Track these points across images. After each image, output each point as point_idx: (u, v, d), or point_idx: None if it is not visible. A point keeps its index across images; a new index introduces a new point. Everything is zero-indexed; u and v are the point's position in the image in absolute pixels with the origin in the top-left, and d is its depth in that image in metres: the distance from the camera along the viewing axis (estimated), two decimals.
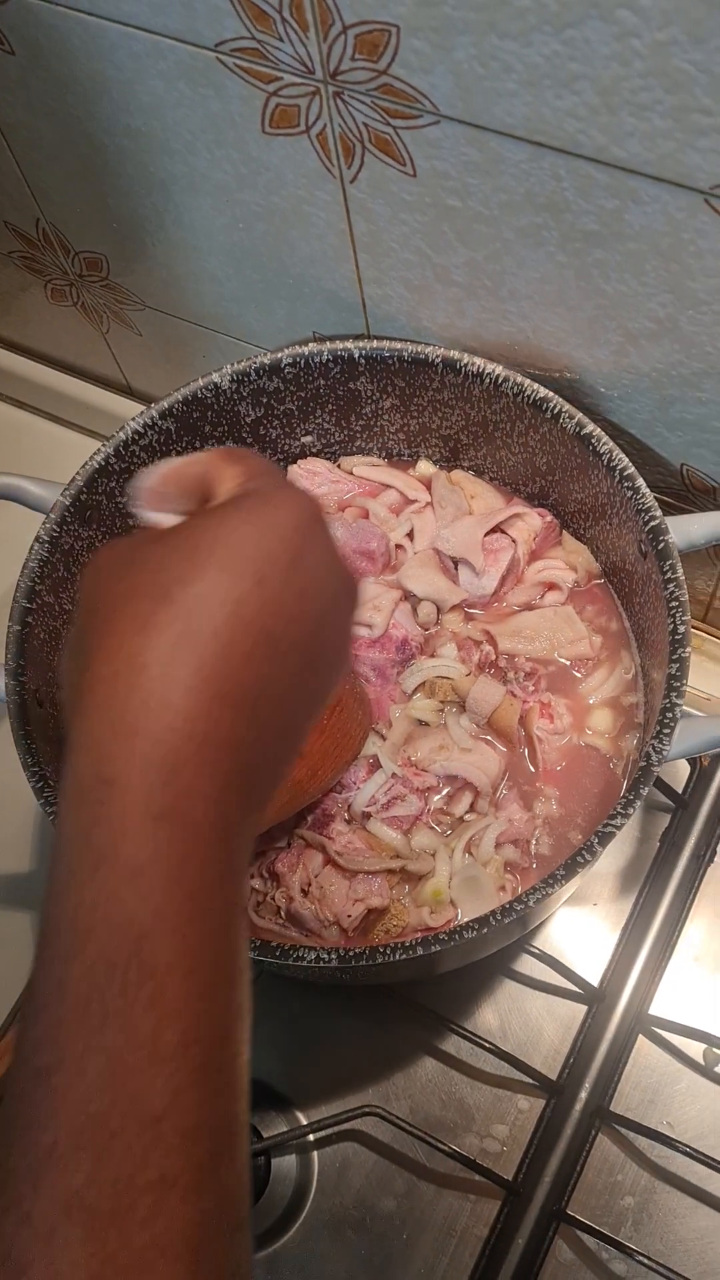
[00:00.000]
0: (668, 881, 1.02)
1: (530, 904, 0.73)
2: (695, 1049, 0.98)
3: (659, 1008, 0.98)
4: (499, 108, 0.68)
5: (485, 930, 0.73)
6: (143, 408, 0.93)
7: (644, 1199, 0.94)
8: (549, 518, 0.98)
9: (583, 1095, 0.95)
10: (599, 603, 0.97)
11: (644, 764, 0.77)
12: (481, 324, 0.88)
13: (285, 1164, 0.96)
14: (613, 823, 0.75)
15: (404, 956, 0.73)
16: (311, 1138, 0.97)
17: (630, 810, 0.75)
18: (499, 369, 0.89)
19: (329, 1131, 0.96)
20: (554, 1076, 0.97)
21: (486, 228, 0.78)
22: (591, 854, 0.75)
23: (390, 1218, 0.95)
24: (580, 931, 1.02)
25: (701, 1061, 0.98)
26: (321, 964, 0.73)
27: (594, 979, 1.00)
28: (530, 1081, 0.96)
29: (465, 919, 0.86)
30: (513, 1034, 1.00)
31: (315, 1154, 0.97)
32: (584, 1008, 1.00)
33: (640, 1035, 0.98)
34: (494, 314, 0.86)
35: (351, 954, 0.73)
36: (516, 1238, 0.91)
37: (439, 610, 0.96)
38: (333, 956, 0.73)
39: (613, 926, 1.02)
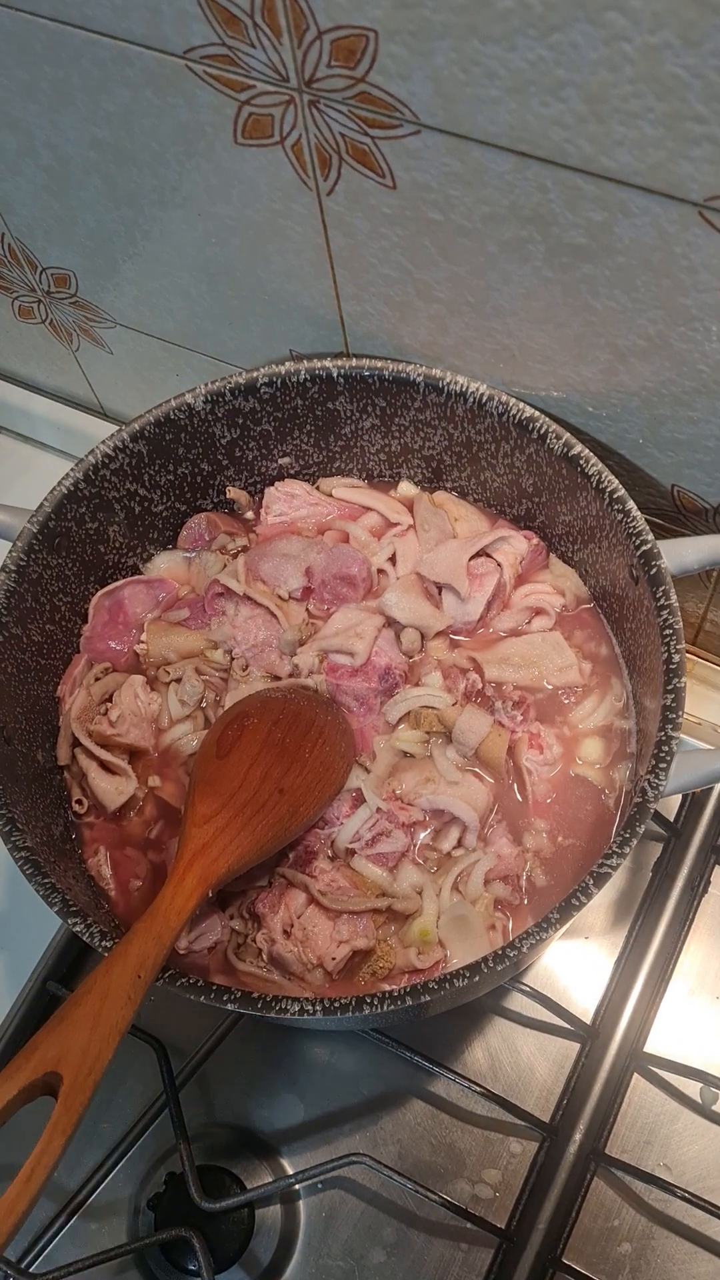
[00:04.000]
0: (661, 913, 0.99)
1: (524, 949, 0.70)
2: (692, 1088, 0.95)
3: (654, 1045, 0.95)
4: (481, 116, 0.65)
5: (477, 978, 0.69)
6: (115, 427, 0.89)
7: (641, 1245, 0.91)
8: (535, 541, 0.95)
9: (577, 1137, 0.92)
10: (588, 628, 0.94)
11: (639, 800, 0.74)
12: (465, 341, 0.85)
13: (270, 1214, 0.93)
14: (608, 862, 0.72)
15: (392, 1007, 0.69)
16: (297, 1187, 0.93)
17: (627, 849, 0.72)
18: (483, 388, 0.86)
19: (313, 1181, 0.92)
20: (547, 1118, 0.94)
21: (470, 242, 0.75)
22: (586, 895, 0.71)
23: (380, 1269, 0.91)
24: (572, 966, 0.99)
25: (699, 1100, 0.95)
26: (306, 1015, 0.69)
27: (587, 1016, 0.97)
28: (522, 1124, 0.93)
29: (454, 959, 0.83)
30: (503, 1074, 0.96)
31: (301, 1204, 0.93)
32: (577, 1045, 0.97)
33: (635, 1074, 0.95)
34: (478, 331, 0.83)
35: (337, 1005, 0.70)
36: None
37: (423, 637, 0.93)
38: (317, 1008, 0.70)
39: (605, 960, 0.99)
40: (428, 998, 0.69)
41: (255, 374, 0.89)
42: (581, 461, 0.83)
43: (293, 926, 0.83)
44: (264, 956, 0.84)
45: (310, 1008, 0.70)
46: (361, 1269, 0.91)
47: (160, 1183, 0.93)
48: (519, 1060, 0.97)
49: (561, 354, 0.81)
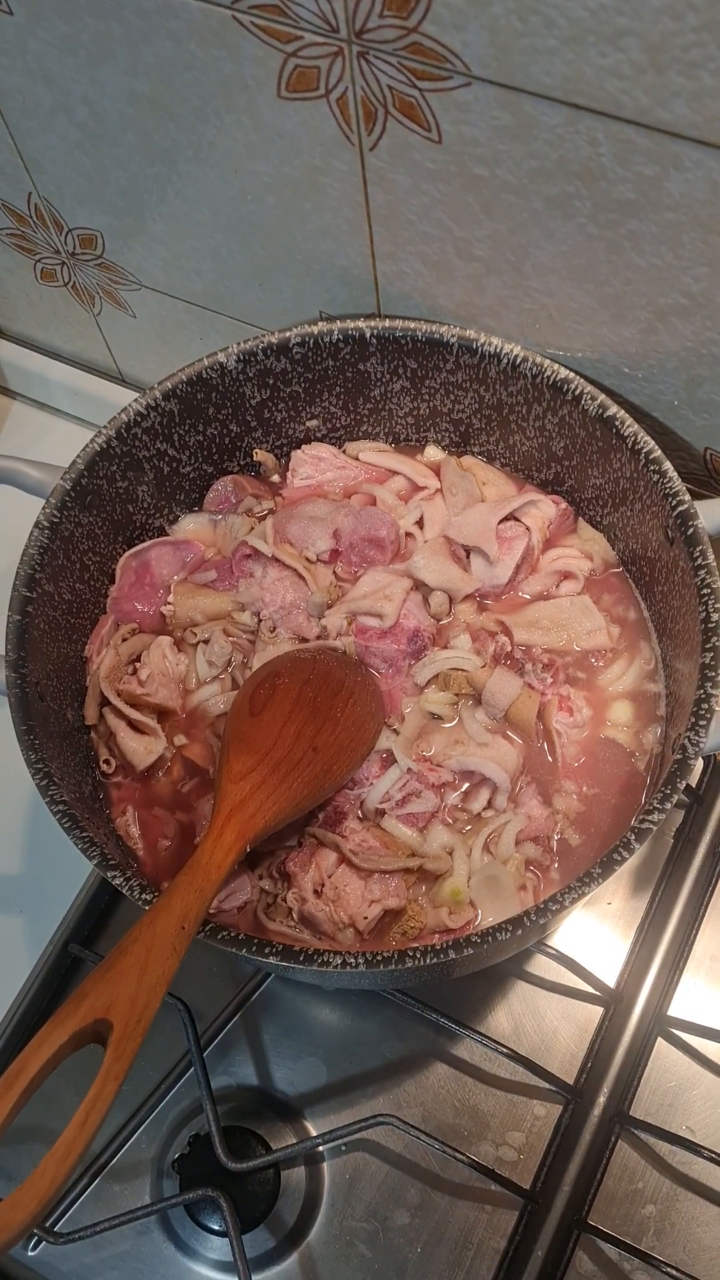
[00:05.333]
0: (683, 878, 0.99)
1: (565, 904, 0.70)
2: (715, 1050, 0.95)
3: (677, 1008, 0.96)
4: (536, 67, 0.65)
5: (520, 931, 0.70)
6: (133, 394, 0.89)
7: (666, 1206, 0.91)
8: (564, 504, 0.95)
9: (601, 1100, 0.92)
10: (616, 591, 0.94)
11: (679, 757, 0.74)
12: (502, 301, 0.85)
13: (294, 1176, 0.93)
14: (649, 818, 0.72)
15: (434, 960, 0.69)
16: (322, 1149, 0.93)
17: (668, 805, 0.72)
18: (517, 349, 0.86)
19: (339, 1142, 0.92)
20: (571, 1081, 0.94)
21: (514, 198, 0.75)
22: (629, 850, 0.72)
23: (403, 1230, 0.91)
24: (595, 931, 0.99)
25: None
26: (349, 968, 0.69)
27: (610, 980, 0.97)
28: (547, 1086, 0.93)
29: (485, 919, 0.83)
30: (527, 1038, 0.97)
31: (325, 1165, 0.93)
32: (600, 1010, 0.97)
33: (659, 1037, 0.95)
34: (516, 290, 0.83)
35: (380, 957, 0.70)
36: (536, 1249, 0.88)
37: (451, 600, 0.93)
38: (360, 961, 0.70)
39: (628, 925, 1.00)
40: (470, 951, 0.69)
41: (288, 334, 0.89)
42: (617, 423, 0.83)
43: (324, 886, 0.83)
44: (294, 916, 0.84)
45: (353, 961, 0.70)
46: (386, 1230, 0.91)
47: (184, 1145, 0.93)
48: (542, 1024, 0.97)
49: (600, 313, 0.81)
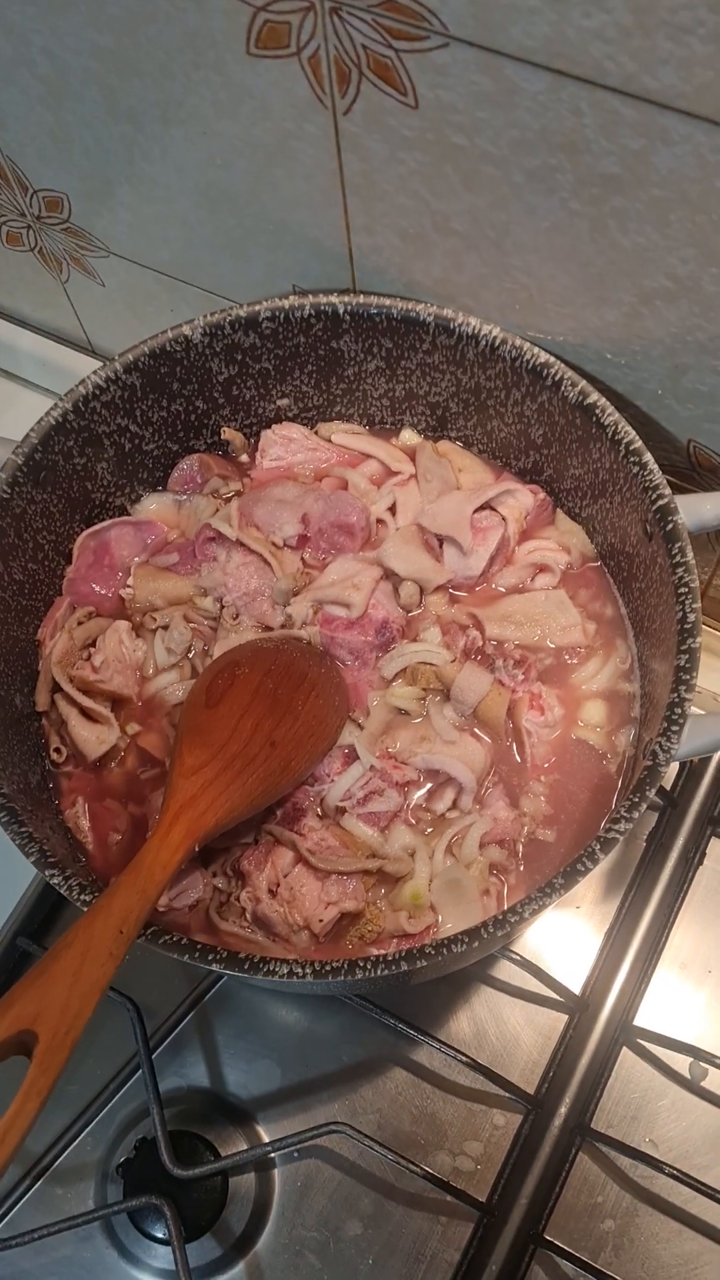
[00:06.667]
0: (654, 884, 0.96)
1: (525, 915, 0.67)
2: (681, 1062, 0.92)
3: (644, 1018, 0.93)
4: (517, 28, 0.61)
5: (476, 944, 0.66)
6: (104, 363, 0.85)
7: (625, 1222, 0.88)
8: (542, 495, 0.91)
9: (562, 1111, 0.89)
10: (593, 587, 0.91)
11: (650, 763, 0.71)
12: (481, 280, 0.81)
13: (243, 1182, 0.90)
14: (616, 827, 0.69)
15: (385, 972, 0.66)
16: (273, 1156, 0.90)
17: (635, 814, 0.69)
18: (496, 330, 0.82)
19: (291, 1149, 0.89)
20: (532, 1090, 0.91)
21: (494, 169, 0.70)
22: (593, 860, 0.68)
23: (355, 1241, 0.88)
24: (562, 936, 0.96)
25: (687, 1075, 0.92)
26: (296, 978, 0.66)
27: (576, 987, 0.94)
28: (507, 1095, 0.90)
29: (446, 925, 0.80)
30: (488, 1044, 0.94)
31: (276, 1172, 0.90)
32: (565, 1017, 0.94)
33: (624, 1047, 0.93)
34: (495, 268, 0.79)
35: (329, 968, 0.66)
36: (490, 1263, 0.85)
37: (422, 591, 0.89)
38: (308, 971, 0.66)
39: (596, 931, 0.97)
40: (423, 962, 0.66)
41: (257, 307, 0.85)
42: (597, 411, 0.80)
43: (279, 886, 0.80)
44: (248, 916, 0.80)
45: (300, 970, 0.67)
46: (337, 1240, 0.88)
47: (130, 1148, 0.90)
48: (505, 1031, 0.94)
49: (582, 295, 0.77)
